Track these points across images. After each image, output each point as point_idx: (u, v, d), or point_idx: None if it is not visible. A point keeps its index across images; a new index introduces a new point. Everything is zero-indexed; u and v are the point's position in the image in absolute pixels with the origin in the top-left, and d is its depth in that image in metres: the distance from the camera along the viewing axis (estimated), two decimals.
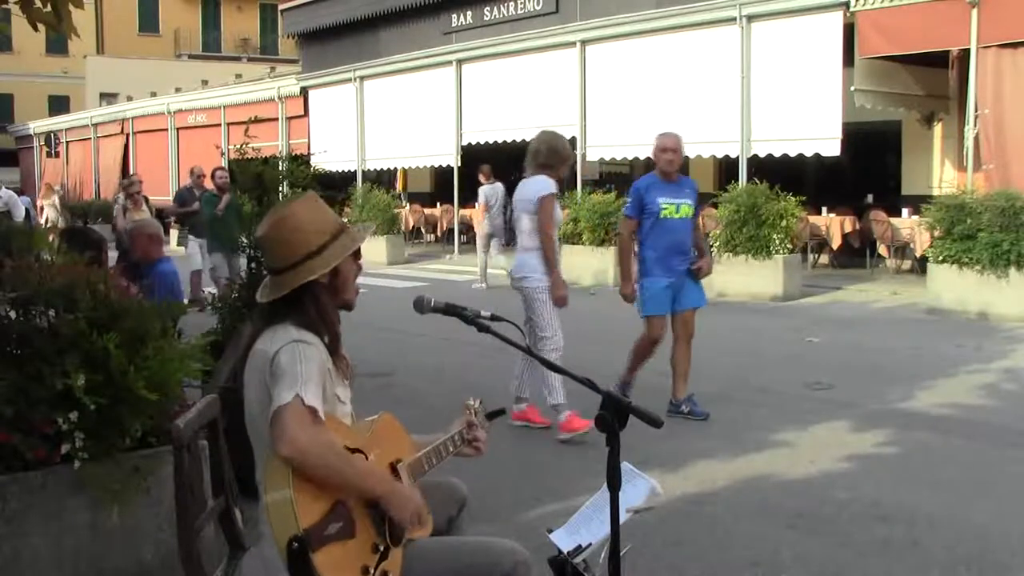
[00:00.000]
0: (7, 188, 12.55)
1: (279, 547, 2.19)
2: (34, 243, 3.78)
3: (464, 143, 18.84)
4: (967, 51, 11.87)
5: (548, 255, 5.91)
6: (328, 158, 14.75)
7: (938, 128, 14.78)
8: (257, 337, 2.47)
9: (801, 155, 13.87)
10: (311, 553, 2.17)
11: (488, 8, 19.12)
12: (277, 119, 23.63)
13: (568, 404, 5.74)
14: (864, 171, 16.03)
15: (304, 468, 2.22)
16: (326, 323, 2.50)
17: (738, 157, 14.16)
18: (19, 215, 11.94)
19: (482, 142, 18.52)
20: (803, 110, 13.55)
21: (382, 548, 2.37)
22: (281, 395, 2.27)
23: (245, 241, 5.52)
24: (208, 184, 12.27)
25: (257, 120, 6.97)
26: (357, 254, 2.59)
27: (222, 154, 17.29)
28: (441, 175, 22.35)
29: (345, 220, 2.68)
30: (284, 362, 2.33)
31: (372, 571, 2.31)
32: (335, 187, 14.89)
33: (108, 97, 35.71)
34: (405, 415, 2.69)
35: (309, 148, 18.72)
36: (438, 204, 21.65)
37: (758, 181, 12.90)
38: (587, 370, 2.48)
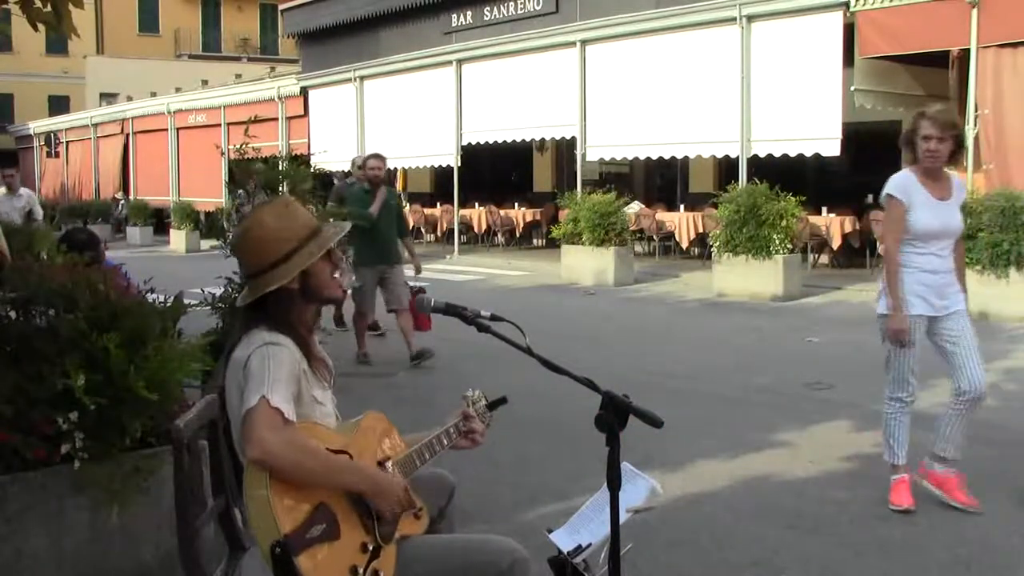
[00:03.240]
0: (25, 187, 12.26)
1: (262, 553, 2.18)
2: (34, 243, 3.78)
3: (464, 143, 18.82)
4: (967, 51, 11.87)
5: (887, 273, 4.59)
6: (328, 158, 14.76)
7: None
8: (236, 345, 2.47)
9: (801, 155, 13.87)
10: (294, 557, 2.15)
11: (488, 8, 19.12)
12: (277, 119, 23.63)
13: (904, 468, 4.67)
14: (864, 171, 16.02)
15: (276, 470, 2.19)
16: (293, 327, 2.49)
17: (738, 157, 14.17)
18: (39, 214, 11.74)
19: (482, 142, 18.53)
20: (803, 110, 13.55)
21: (372, 547, 2.34)
22: (248, 398, 2.26)
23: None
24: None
25: (257, 120, 6.92)
26: (330, 253, 2.56)
27: (222, 154, 17.26)
28: (441, 175, 22.35)
29: (318, 221, 2.64)
30: (254, 366, 2.33)
31: (361, 571, 2.29)
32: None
33: (108, 97, 35.70)
34: (408, 415, 2.69)
35: (309, 148, 18.73)
36: (438, 204, 21.65)
37: (758, 181, 12.89)
38: (587, 370, 2.48)
